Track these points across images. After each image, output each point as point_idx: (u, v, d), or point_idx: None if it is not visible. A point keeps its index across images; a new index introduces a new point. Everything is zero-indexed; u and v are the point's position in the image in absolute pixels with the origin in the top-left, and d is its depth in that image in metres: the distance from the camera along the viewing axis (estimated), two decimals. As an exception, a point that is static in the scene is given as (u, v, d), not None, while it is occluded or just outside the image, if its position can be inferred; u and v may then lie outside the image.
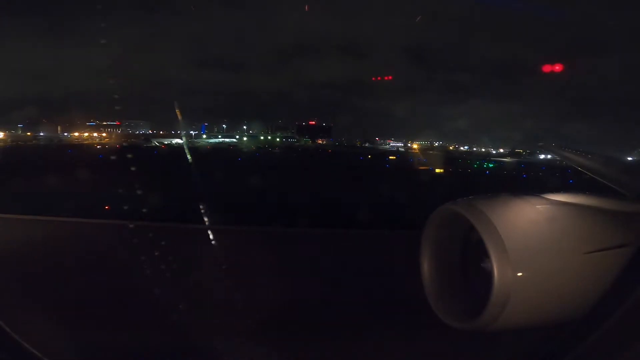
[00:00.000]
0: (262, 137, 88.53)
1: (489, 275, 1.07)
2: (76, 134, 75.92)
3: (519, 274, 1.06)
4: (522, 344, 1.58)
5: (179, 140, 72.33)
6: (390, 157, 57.69)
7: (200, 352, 3.15)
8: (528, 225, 1.17)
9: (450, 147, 78.95)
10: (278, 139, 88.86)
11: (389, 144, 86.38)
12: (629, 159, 3.19)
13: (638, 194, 1.96)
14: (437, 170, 38.46)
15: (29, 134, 70.71)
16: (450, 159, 50.79)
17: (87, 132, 77.19)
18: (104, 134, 76.57)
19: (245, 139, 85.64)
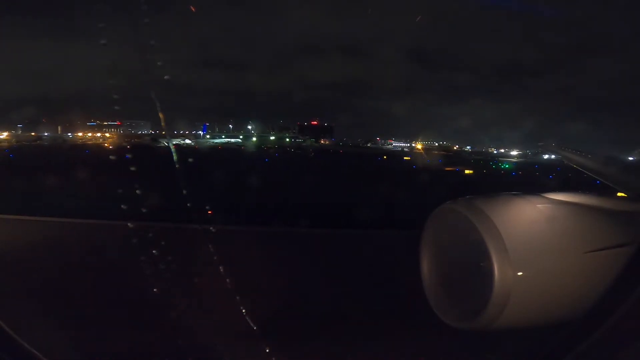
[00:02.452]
0: (271, 138, 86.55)
1: (489, 274, 1.07)
2: (80, 134, 75.15)
3: (519, 273, 1.06)
4: (522, 344, 1.58)
5: (187, 141, 71.44)
6: (405, 158, 56.37)
7: (200, 353, 3.15)
8: (528, 224, 1.17)
9: (455, 147, 77.84)
10: (287, 139, 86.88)
11: (390, 144, 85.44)
12: (630, 158, 3.18)
13: (638, 193, 1.96)
14: (467, 172, 37.26)
15: (32, 134, 69.83)
16: (464, 160, 49.80)
17: (90, 132, 76.30)
18: (107, 134, 75.60)
19: (254, 139, 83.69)
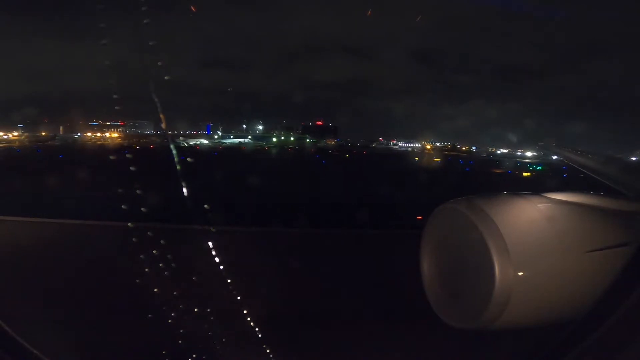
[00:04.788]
0: (292, 138, 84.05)
1: (490, 274, 1.07)
2: (89, 133, 74.26)
3: (520, 273, 1.06)
4: (522, 344, 1.58)
5: (204, 141, 70.63)
6: (435, 160, 54.04)
7: (200, 353, 3.15)
8: (529, 224, 1.17)
9: (463, 148, 76.66)
10: (308, 140, 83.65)
11: (396, 144, 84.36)
12: (633, 159, 3.17)
13: (638, 193, 1.96)
14: (525, 174, 35.52)
15: (43, 133, 68.87)
16: (487, 162, 48.31)
17: (92, 131, 75.33)
18: (115, 134, 74.45)
19: (274, 139, 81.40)
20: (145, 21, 2.47)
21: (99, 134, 73.97)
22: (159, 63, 2.56)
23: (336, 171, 34.08)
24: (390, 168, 37.04)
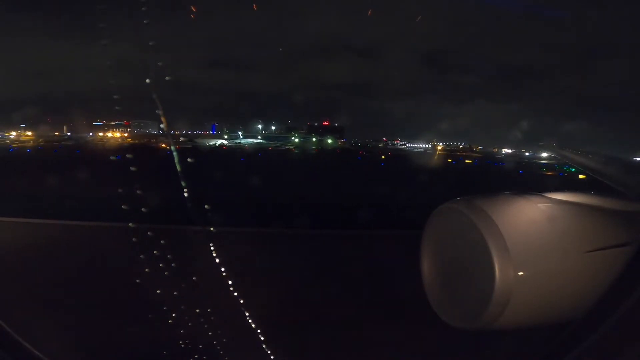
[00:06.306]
0: (314, 139, 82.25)
1: (490, 274, 1.07)
2: (100, 133, 74.18)
3: (520, 273, 1.06)
4: (522, 344, 1.58)
5: (223, 142, 70.79)
6: (466, 161, 53.46)
7: (200, 353, 3.15)
8: (529, 223, 1.17)
9: (474, 148, 76.05)
10: (330, 141, 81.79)
11: (404, 145, 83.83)
12: (637, 159, 3.16)
13: (638, 193, 1.96)
14: (581, 177, 35.11)
15: (56, 133, 68.97)
16: (521, 163, 47.66)
17: (103, 132, 75.15)
18: (125, 134, 74.35)
19: (295, 139, 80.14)
20: (145, 21, 2.48)
21: (110, 134, 74.05)
22: (159, 63, 2.57)
23: (409, 172, 33.42)
24: (446, 169, 36.64)
